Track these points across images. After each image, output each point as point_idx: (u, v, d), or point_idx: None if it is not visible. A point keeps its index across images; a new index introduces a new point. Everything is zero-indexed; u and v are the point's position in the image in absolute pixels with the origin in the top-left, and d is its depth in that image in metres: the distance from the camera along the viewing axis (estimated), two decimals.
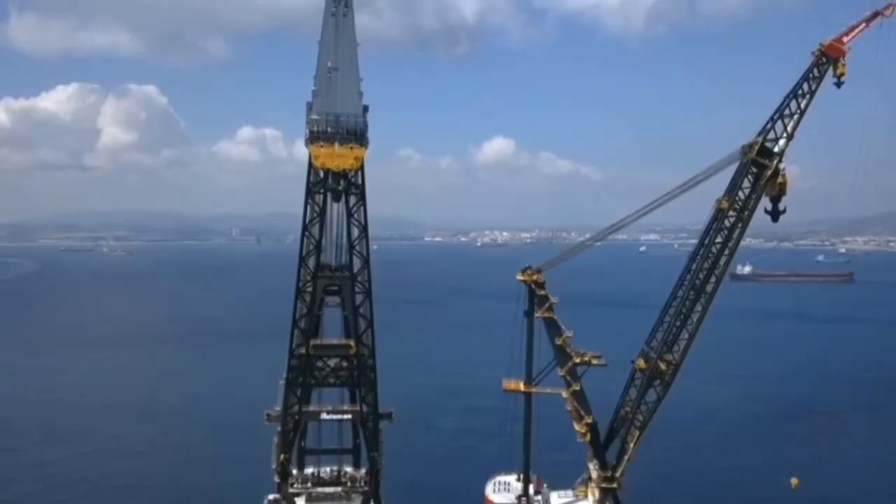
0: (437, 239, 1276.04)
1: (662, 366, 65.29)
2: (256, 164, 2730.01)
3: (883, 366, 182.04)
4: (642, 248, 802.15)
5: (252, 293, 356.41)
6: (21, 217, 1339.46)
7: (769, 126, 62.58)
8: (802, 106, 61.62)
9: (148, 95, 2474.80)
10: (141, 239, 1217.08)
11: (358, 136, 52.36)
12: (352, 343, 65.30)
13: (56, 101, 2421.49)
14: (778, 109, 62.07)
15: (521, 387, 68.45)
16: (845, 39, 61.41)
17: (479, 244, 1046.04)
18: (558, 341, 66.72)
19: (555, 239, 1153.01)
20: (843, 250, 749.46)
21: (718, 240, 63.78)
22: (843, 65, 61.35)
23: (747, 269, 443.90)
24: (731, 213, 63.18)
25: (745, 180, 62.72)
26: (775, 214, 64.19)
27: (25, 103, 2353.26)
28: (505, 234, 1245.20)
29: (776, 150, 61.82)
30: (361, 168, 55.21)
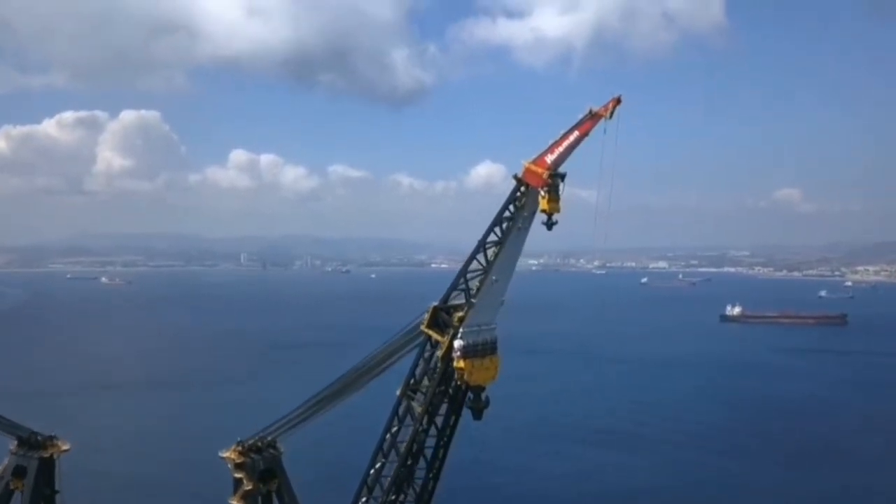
0: (443, 266, 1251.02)
1: None
2: (256, 188, 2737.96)
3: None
4: (643, 280, 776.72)
5: (206, 334, 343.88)
6: (32, 241, 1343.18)
7: (462, 287, 45.12)
8: (490, 256, 44.88)
9: (148, 121, 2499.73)
10: (148, 264, 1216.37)
11: None
12: None
13: (56, 126, 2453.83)
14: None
15: None
16: (549, 159, 41.55)
17: None
18: None
19: (562, 266, 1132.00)
20: (849, 283, 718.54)
21: (393, 431, 47.00)
22: (546, 198, 41.65)
23: (736, 311, 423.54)
24: (414, 404, 46.48)
25: (422, 361, 45.97)
26: (476, 412, 44.73)
27: (24, 129, 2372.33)
28: None
29: (455, 321, 44.17)
30: None
